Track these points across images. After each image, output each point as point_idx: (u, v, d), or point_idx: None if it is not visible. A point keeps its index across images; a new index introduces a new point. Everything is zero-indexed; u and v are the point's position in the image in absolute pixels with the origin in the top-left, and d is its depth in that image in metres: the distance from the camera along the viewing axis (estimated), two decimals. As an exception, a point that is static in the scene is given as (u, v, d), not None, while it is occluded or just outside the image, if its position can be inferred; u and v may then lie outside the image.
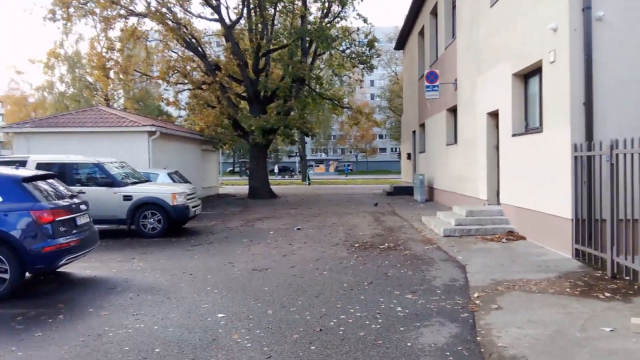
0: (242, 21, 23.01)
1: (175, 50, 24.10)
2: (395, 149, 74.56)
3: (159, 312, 5.51)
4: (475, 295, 5.95)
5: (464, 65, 14.27)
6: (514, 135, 10.48)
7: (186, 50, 22.70)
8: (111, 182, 11.10)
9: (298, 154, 49.91)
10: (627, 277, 6.50)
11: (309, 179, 38.92)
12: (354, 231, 11.42)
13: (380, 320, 5.09)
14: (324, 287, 6.43)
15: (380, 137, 78.08)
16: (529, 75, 10.11)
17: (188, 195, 11.79)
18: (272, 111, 22.25)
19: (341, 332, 4.76)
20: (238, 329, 4.90)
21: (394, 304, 5.65)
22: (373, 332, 4.77)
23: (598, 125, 7.74)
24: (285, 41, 22.44)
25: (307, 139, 53.30)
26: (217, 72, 21.47)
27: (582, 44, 7.74)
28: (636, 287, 6.14)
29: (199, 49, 21.90)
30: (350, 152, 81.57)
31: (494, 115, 11.97)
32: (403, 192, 22.47)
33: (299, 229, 11.97)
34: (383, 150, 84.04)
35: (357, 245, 9.55)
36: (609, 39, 7.76)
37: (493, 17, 11.56)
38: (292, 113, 22.82)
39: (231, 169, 73.87)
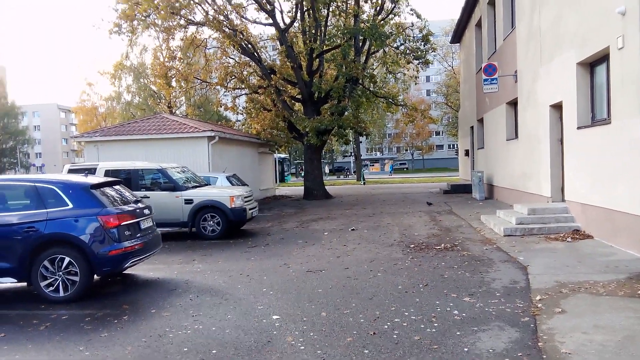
0: (296, 24, 23.28)
1: (233, 57, 24.80)
2: (453, 145, 72.63)
3: (217, 313, 5.68)
4: (538, 298, 5.68)
5: (525, 56, 13.67)
6: (579, 127, 9.91)
7: (242, 56, 23.29)
8: (173, 186, 11.58)
9: (353, 154, 49.79)
10: None
11: (364, 179, 38.73)
12: (409, 231, 11.24)
13: (435, 324, 4.97)
14: (378, 289, 6.37)
15: (437, 133, 76.45)
16: (595, 63, 9.53)
17: (245, 197, 12.08)
18: (326, 112, 22.35)
19: (395, 336, 4.70)
20: (292, 331, 4.96)
21: (450, 307, 5.50)
22: (428, 336, 4.67)
23: (674, 114, 7.18)
24: (338, 41, 22.48)
25: (362, 139, 53.16)
26: (272, 75, 21.84)
27: (653, 27, 7.20)
28: None
29: (255, 54, 22.39)
30: (406, 150, 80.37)
31: (558, 107, 11.39)
32: (461, 190, 21.86)
33: (353, 229, 11.94)
34: (440, 147, 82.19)
35: (412, 246, 9.40)
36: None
37: (555, 3, 10.99)
38: (345, 113, 22.82)
39: (288, 171, 74.84)
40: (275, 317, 5.45)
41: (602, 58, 9.07)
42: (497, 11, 17.17)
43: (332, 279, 7.06)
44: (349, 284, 6.70)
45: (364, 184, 37.43)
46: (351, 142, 42.21)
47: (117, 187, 7.77)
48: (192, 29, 23.04)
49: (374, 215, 14.79)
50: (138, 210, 7.40)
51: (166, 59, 24.82)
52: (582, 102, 9.94)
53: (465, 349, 4.31)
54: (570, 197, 10.43)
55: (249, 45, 22.24)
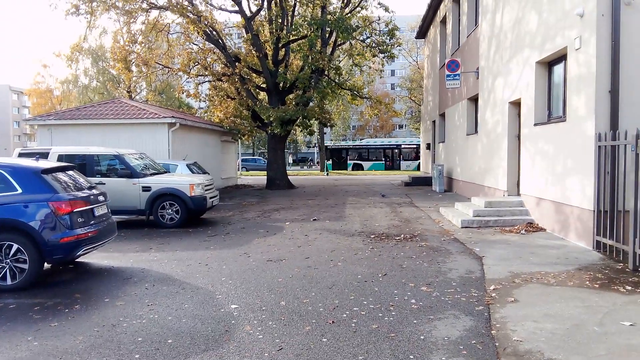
0: (263, 12, 22.96)
1: (196, 43, 24.25)
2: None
3: (173, 302, 5.55)
4: (492, 287, 5.85)
5: (487, 54, 13.97)
6: (536, 124, 10.23)
7: (207, 43, 22.80)
8: (130, 173, 11.23)
9: (317, 145, 49.79)
10: (651, 271, 6.30)
11: (327, 170, 38.83)
12: (370, 222, 11.35)
13: (393, 313, 5.03)
14: (337, 279, 6.39)
15: (400, 127, 77.44)
16: (554, 62, 9.83)
17: (206, 186, 11.87)
18: (291, 102, 22.22)
19: (353, 324, 4.73)
20: (250, 320, 4.91)
21: (408, 296, 5.58)
22: (386, 324, 4.72)
23: (624, 114, 7.49)
24: (305, 32, 22.32)
25: (326, 130, 53.20)
26: (237, 63, 21.50)
27: (610, 29, 7.48)
28: (660, 281, 5.95)
29: (220, 41, 21.95)
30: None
31: (516, 104, 11.72)
32: (422, 182, 22.24)
33: (315, 219, 11.95)
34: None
35: (372, 236, 9.49)
36: (636, 25, 7.46)
37: (518, 3, 11.25)
38: (310, 104, 22.76)
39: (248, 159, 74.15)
40: (233, 306, 5.38)
41: (560, 58, 9.37)
42: (461, 8, 17.46)
43: (292, 268, 7.03)
44: (309, 274, 6.70)
45: (328, 174, 37.55)
46: (315, 133, 42.21)
47: (70, 172, 7.46)
48: (154, 12, 22.39)
49: (336, 206, 14.85)
50: (92, 197, 7.14)
51: (126, 43, 24.00)
52: (539, 100, 10.25)
53: (422, 337, 4.39)
54: (526, 191, 10.78)
55: (214, 32, 21.79)
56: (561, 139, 8.98)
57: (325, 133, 56.15)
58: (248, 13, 22.10)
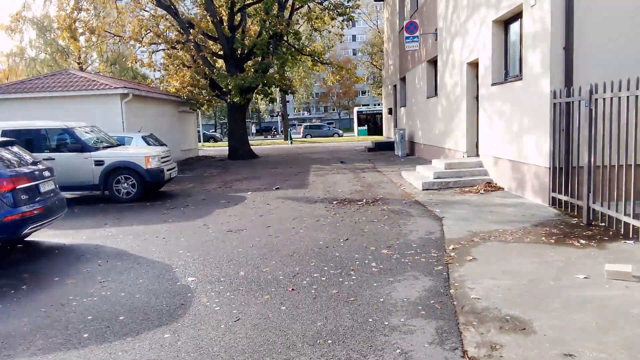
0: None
1: (147, 10, 23.14)
2: (379, 104, 73.94)
3: (127, 278, 5.34)
4: (451, 247, 5.88)
5: (445, 14, 13.83)
6: (493, 84, 10.26)
7: (158, 9, 21.76)
8: (81, 147, 10.71)
9: (280, 113, 49.15)
10: (603, 224, 6.48)
11: (291, 138, 38.50)
12: (333, 188, 11.28)
13: (354, 277, 4.99)
14: (299, 246, 6.31)
15: (363, 93, 77.23)
16: (510, 21, 9.79)
17: (163, 158, 11.46)
18: (249, 69, 21.62)
19: (313, 291, 4.66)
20: (208, 292, 4.77)
21: (368, 260, 5.55)
22: (346, 289, 4.67)
23: (578, 71, 7.53)
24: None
25: (289, 98, 52.48)
26: (190, 30, 20.64)
27: (563, -16, 7.42)
28: (611, 233, 6.12)
29: (171, 6, 20.96)
30: (334, 110, 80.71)
31: (474, 64, 11.70)
32: (385, 147, 22.31)
33: (277, 188, 11.79)
34: (366, 106, 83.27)
35: (335, 202, 9.43)
36: (589, -20, 7.44)
37: (471, -40, 11.08)
38: (270, 70, 22.23)
39: (212, 130, 72.83)
40: (190, 279, 5.22)
41: (516, 16, 9.32)
42: (419, -33, 17.17)
43: (253, 237, 6.90)
44: (270, 242, 6.58)
45: (292, 143, 37.24)
46: (277, 102, 41.54)
47: (12, 148, 7.00)
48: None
49: (299, 174, 14.70)
50: (37, 172, 6.74)
51: (71, 10, 22.60)
52: (496, 59, 10.25)
53: (381, 300, 4.36)
54: (484, 151, 10.90)
55: (165, -4, 20.80)
56: (518, 98, 9.03)
57: (288, 101, 55.46)
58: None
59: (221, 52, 22.24)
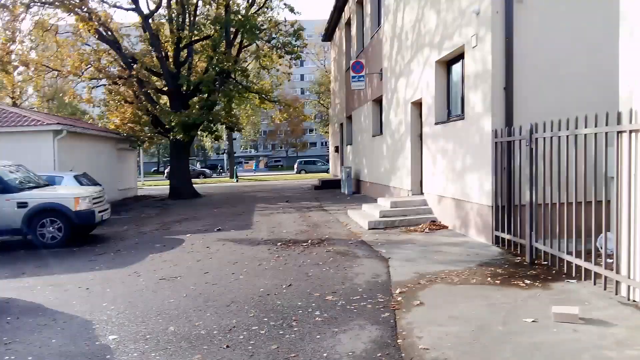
0: (162, 11, 21.71)
1: (89, 44, 22.41)
2: (326, 143, 74.77)
3: (38, 338, 4.69)
4: (397, 291, 5.63)
5: (390, 54, 14.14)
6: (437, 123, 10.40)
7: (101, 43, 21.11)
8: (2, 187, 9.82)
9: (226, 151, 48.42)
10: (545, 262, 6.47)
11: (236, 176, 37.87)
12: (278, 229, 10.90)
13: (295, 329, 4.60)
14: (237, 294, 5.85)
15: (311, 131, 78.04)
16: (452, 62, 10.04)
17: (94, 198, 10.70)
18: (194, 106, 21.17)
19: (250, 347, 4.22)
20: (130, 354, 4.22)
21: (312, 308, 5.19)
22: (287, 343, 4.27)
23: (518, 110, 7.70)
24: (208, 32, 21.46)
25: (236, 135, 52.06)
26: (134, 65, 20.08)
27: (503, 27, 7.66)
28: (554, 271, 6.10)
29: (115, 41, 20.38)
30: (281, 148, 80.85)
31: (418, 104, 11.89)
32: (331, 185, 22.24)
33: (219, 229, 11.26)
34: (314, 144, 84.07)
35: (279, 244, 9.04)
36: (529, 23, 7.72)
37: (417, 2, 11.41)
38: (216, 107, 21.88)
39: (155, 168, 70.87)
40: (112, 337, 4.64)
41: (458, 57, 9.56)
42: (365, 10, 17.66)
43: (188, 286, 6.36)
44: (206, 291, 6.08)
45: (237, 181, 36.61)
46: (223, 139, 40.96)
47: None
48: (39, 9, 20.22)
49: (243, 214, 14.22)
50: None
51: (3, 42, 21.47)
52: (439, 99, 10.44)
53: (325, 354, 3.99)
54: (428, 189, 10.93)
55: (109, 32, 20.22)
56: (460, 137, 9.15)
57: (234, 138, 54.96)
58: (145, 11, 20.79)
59: (166, 88, 21.73)
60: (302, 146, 78.54)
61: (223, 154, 61.92)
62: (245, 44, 22.99)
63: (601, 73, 7.52)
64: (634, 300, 4.67)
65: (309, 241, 9.10)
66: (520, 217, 7.10)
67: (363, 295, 5.55)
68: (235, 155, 70.19)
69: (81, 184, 13.38)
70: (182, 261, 7.97)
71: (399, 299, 5.36)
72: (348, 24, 21.42)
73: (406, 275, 6.32)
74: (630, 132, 4.61)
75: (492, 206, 7.80)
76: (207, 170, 52.00)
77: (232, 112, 24.21)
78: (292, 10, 22.04)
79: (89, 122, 25.97)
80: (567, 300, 4.93)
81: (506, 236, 7.44)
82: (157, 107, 20.73)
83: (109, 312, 5.39)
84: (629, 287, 4.67)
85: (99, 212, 10.64)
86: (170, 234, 11.10)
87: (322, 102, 52.86)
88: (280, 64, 25.42)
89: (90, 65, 21.75)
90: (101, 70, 21.66)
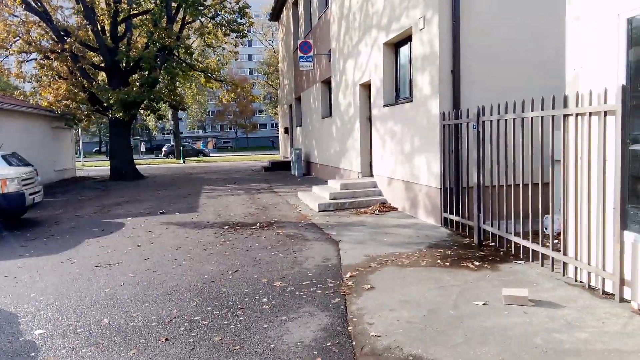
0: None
1: (18, 15, 20.70)
2: (276, 124, 74.01)
3: (-49, 336, 4.20)
4: (348, 275, 5.50)
5: (338, 35, 13.89)
6: (385, 105, 10.32)
7: (30, 14, 19.54)
8: None
9: (172, 131, 46.83)
10: (493, 244, 6.55)
11: (184, 157, 36.72)
12: (225, 212, 10.54)
13: (241, 318, 4.36)
14: (180, 282, 5.53)
15: (261, 112, 76.94)
16: (400, 44, 9.94)
17: (24, 180, 9.89)
18: (135, 83, 20.12)
19: (192, 340, 3.95)
20: (58, 350, 3.85)
21: (259, 295, 4.96)
22: (231, 334, 4.03)
23: (465, 92, 7.71)
24: (148, 6, 20.35)
25: (182, 115, 50.49)
26: (67, 38, 18.74)
27: (451, 10, 7.58)
28: (502, 253, 6.17)
29: (45, 12, 18.90)
30: (230, 129, 79.30)
31: (367, 86, 11.77)
32: (281, 167, 21.96)
33: (162, 212, 10.76)
34: (264, 125, 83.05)
35: (226, 227, 8.72)
36: (476, 7, 7.68)
37: (363, -17, 11.19)
38: (158, 85, 20.90)
39: (97, 148, 67.78)
40: (39, 331, 4.23)
41: (406, 39, 9.46)
42: (312, -12, 17.25)
43: (126, 273, 5.96)
44: (145, 279, 5.71)
45: (184, 162, 35.53)
46: (169, 119, 39.54)
47: None
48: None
49: (189, 196, 13.70)
50: None
51: None
52: (387, 81, 10.34)
53: (272, 346, 3.79)
54: (378, 171, 10.90)
55: (38, 2, 18.72)
56: (409, 120, 9.10)
57: (181, 118, 53.27)
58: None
59: (103, 64, 20.50)
60: (252, 127, 77.36)
61: (169, 134, 59.94)
62: (189, 20, 22.06)
63: (546, 60, 7.66)
64: (581, 281, 4.76)
65: (258, 224, 8.84)
66: (468, 199, 7.15)
67: (313, 280, 5.39)
68: (182, 135, 68.31)
69: (10, 164, 12.37)
70: (121, 246, 7.51)
71: (350, 283, 5.24)
72: (295, 3, 20.94)
73: (356, 259, 6.21)
74: (577, 115, 4.64)
75: (441, 188, 7.82)
76: (206, 149, 50.42)
77: (176, 91, 23.25)
78: (238, -14, 21.33)
79: (20, 98, 24.12)
80: (516, 282, 4.98)
81: (454, 218, 7.50)
82: (94, 83, 19.54)
83: (36, 304, 4.94)
84: (576, 268, 4.76)
85: (30, 194, 9.86)
86: (110, 217, 10.50)
87: (270, 82, 52.02)
88: (226, 43, 24.57)
89: (18, 38, 20.17)
90: (31, 44, 20.11)
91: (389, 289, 5.00)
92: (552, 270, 5.20)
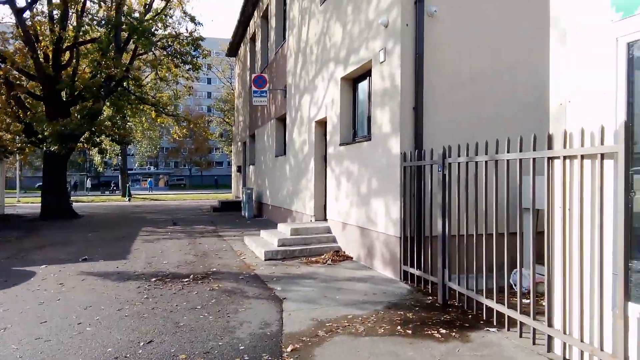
0: (41, 7, 19.11)
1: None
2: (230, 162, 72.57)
3: None
4: (290, 349, 4.43)
5: (294, 70, 13.21)
6: (341, 144, 9.53)
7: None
8: None
9: (119, 167, 44.58)
10: (460, 304, 5.68)
11: (129, 195, 34.74)
12: (158, 259, 9.25)
13: (138, 418, 3.21)
14: (74, 358, 4.28)
15: (217, 149, 75.51)
16: (359, 79, 9.27)
17: None
18: (75, 114, 18.69)
19: None
20: None
21: (172, 379, 3.82)
22: None
23: (429, 131, 7.00)
24: (96, 34, 19.22)
25: (133, 151, 48.65)
26: (1, 65, 17.26)
27: (414, 41, 6.96)
28: (470, 316, 5.29)
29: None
30: (185, 166, 77.17)
31: (323, 123, 11.02)
32: (232, 208, 20.74)
33: (84, 259, 9.35)
34: (220, 164, 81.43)
35: (154, 279, 7.47)
36: (441, 38, 7.11)
37: (322, 15, 10.61)
38: (100, 117, 19.54)
39: (41, 183, 64.04)
40: None
41: (366, 73, 8.81)
42: (270, 23, 16.70)
43: (8, 344, 4.65)
44: (30, 352, 4.43)
45: (130, 200, 33.55)
46: (109, 153, 37.53)
47: None
48: None
49: (122, 239, 12.28)
50: None
51: None
52: (345, 117, 9.61)
53: None
54: (332, 215, 9.98)
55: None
56: (367, 159, 8.31)
57: (130, 154, 51.21)
58: (22, 4, 18.15)
59: (42, 94, 19.01)
60: (207, 165, 75.58)
61: (115, 169, 57.44)
62: (140, 51, 21.05)
63: (519, 92, 7.12)
64: (569, 360, 3.90)
65: (192, 276, 7.64)
66: (431, 251, 6.29)
67: (244, 357, 4.28)
68: (132, 172, 65.69)
69: None
70: (19, 304, 6.14)
71: (290, 360, 4.17)
72: (253, 39, 20.39)
73: (302, 324, 5.15)
74: (565, 158, 3.90)
75: (400, 237, 6.96)
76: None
77: (121, 124, 21.86)
78: (193, 20, 20.61)
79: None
80: (492, 359, 4.06)
81: (415, 272, 6.60)
82: (28, 114, 17.98)
83: None
84: (564, 344, 3.89)
85: None
86: (23, 264, 9.00)
87: (227, 119, 51.10)
88: (180, 76, 23.61)
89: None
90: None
91: (338, 369, 3.97)
92: (534, 343, 4.32)
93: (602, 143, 3.47)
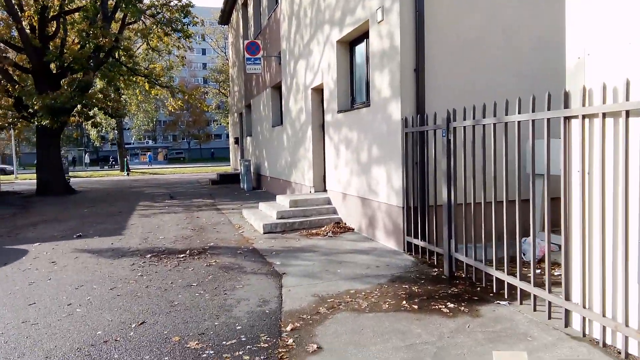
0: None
1: None
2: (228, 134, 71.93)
3: None
4: (289, 328, 4.19)
5: (288, 35, 12.67)
6: (339, 111, 9.15)
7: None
8: None
9: (116, 141, 44.03)
10: (467, 275, 5.43)
11: (127, 169, 34.42)
12: (154, 235, 9.01)
13: (127, 409, 2.98)
14: (60, 343, 4.05)
15: (214, 121, 74.79)
16: (356, 41, 8.81)
17: None
18: (65, 87, 18.17)
19: None
20: None
21: (164, 364, 3.58)
22: None
23: (431, 95, 6.62)
24: (81, 3, 18.51)
25: (127, 124, 48.02)
26: (-16, 37, 16.68)
27: (413, -3, 6.49)
28: (479, 289, 5.04)
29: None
30: (183, 139, 76.59)
31: (319, 90, 10.60)
32: (230, 180, 20.46)
33: (79, 236, 9.11)
34: (218, 136, 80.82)
35: (149, 255, 7.23)
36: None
37: (313, -25, 10.04)
38: (92, 89, 19.01)
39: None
40: None
41: (363, 35, 8.35)
42: (262, -13, 16.02)
43: (-8, 329, 4.43)
44: (15, 337, 4.20)
45: (128, 175, 33.25)
46: (104, 126, 36.96)
47: None
48: None
49: (119, 214, 12.03)
50: None
51: None
52: (342, 83, 9.19)
53: None
54: (332, 186, 9.68)
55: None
56: (366, 127, 7.94)
57: (127, 128, 50.63)
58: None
59: (30, 66, 18.43)
60: (206, 137, 74.98)
61: (113, 144, 56.93)
62: (130, 20, 20.33)
63: (525, 56, 6.71)
64: (592, 338, 3.63)
65: (188, 251, 7.40)
66: (436, 220, 6.02)
67: (241, 338, 4.04)
68: (131, 146, 65.13)
69: None
70: (8, 284, 5.90)
71: (290, 341, 3.92)
72: (245, 4, 19.65)
73: (302, 300, 4.91)
74: (584, 117, 3.56)
75: (403, 207, 6.67)
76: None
77: (113, 97, 21.33)
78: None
79: None
80: (505, 335, 3.82)
81: (420, 243, 6.34)
82: (17, 87, 17.48)
83: None
84: (583, 319, 3.63)
85: None
86: (15, 242, 8.76)
87: (223, 91, 50.24)
88: (172, 45, 22.91)
89: None
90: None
91: (341, 350, 3.73)
92: (549, 317, 4.07)
93: (627, 99, 3.12)
